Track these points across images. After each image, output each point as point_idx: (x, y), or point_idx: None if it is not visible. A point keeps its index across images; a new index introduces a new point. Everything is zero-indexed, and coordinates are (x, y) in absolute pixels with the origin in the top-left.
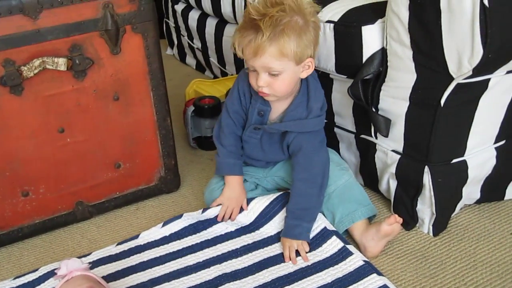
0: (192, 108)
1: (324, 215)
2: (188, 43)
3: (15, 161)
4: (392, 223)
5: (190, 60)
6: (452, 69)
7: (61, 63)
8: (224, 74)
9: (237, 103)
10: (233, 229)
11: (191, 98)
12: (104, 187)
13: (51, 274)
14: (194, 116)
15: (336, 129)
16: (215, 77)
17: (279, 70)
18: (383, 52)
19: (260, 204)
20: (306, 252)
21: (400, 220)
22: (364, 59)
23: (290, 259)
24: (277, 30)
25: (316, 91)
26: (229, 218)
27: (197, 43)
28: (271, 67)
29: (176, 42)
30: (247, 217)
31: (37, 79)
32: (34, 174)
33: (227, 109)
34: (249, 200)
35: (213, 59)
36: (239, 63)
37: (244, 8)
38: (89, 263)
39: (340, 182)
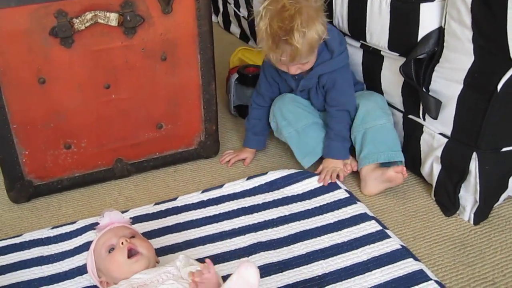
0: (236, 75)
1: (353, 143)
2: (234, 11)
3: (60, 113)
4: (399, 172)
5: (234, 28)
6: None
7: (113, 18)
8: None
9: (269, 89)
10: (270, 200)
11: (235, 65)
12: (144, 146)
13: (89, 227)
14: (237, 84)
15: None
16: None
17: (310, 60)
18: (440, 31)
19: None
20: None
21: (406, 174)
22: (420, 37)
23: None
24: (305, 37)
25: (329, 32)
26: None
27: (243, 12)
28: (304, 62)
29: (221, 10)
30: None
31: (87, 33)
32: (77, 127)
33: (260, 92)
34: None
35: None
36: None
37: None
38: None
39: (379, 122)
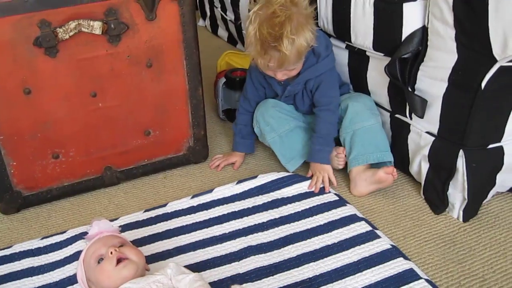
0: (223, 80)
1: (342, 145)
2: (221, 14)
3: (47, 122)
4: (389, 173)
5: (222, 32)
6: (496, 51)
7: (96, 27)
8: None
9: (255, 93)
10: (260, 203)
11: (222, 70)
12: (133, 153)
13: (79, 237)
14: (225, 88)
15: None
16: None
17: (297, 66)
18: (423, 30)
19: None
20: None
21: (396, 175)
22: (404, 37)
23: (314, 187)
24: (294, 44)
25: (317, 38)
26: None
27: (230, 15)
28: (291, 69)
29: (208, 14)
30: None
31: (72, 42)
32: (65, 136)
33: (246, 97)
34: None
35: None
36: None
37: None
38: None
39: (367, 123)
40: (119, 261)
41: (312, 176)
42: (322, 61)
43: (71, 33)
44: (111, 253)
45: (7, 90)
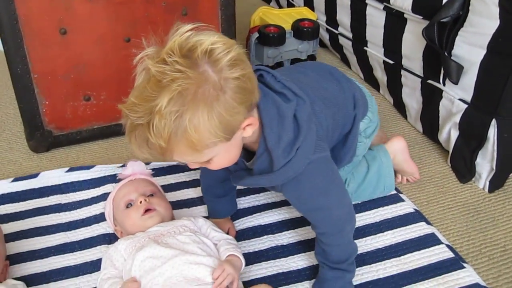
0: (256, 35)
1: None
2: None
3: (80, 64)
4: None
5: None
6: None
7: None
8: (290, 5)
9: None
10: None
11: (256, 25)
12: None
13: (106, 179)
14: (257, 44)
15: (402, 72)
16: (281, 8)
17: (206, 160)
18: None
19: None
20: None
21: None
22: (444, 0)
23: None
24: (178, 130)
25: (273, 120)
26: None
27: None
28: (191, 161)
29: None
30: None
31: None
32: (97, 80)
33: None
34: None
35: None
36: None
37: None
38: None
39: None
40: (146, 210)
41: None
42: (281, 169)
43: None
44: (140, 202)
45: (43, 29)
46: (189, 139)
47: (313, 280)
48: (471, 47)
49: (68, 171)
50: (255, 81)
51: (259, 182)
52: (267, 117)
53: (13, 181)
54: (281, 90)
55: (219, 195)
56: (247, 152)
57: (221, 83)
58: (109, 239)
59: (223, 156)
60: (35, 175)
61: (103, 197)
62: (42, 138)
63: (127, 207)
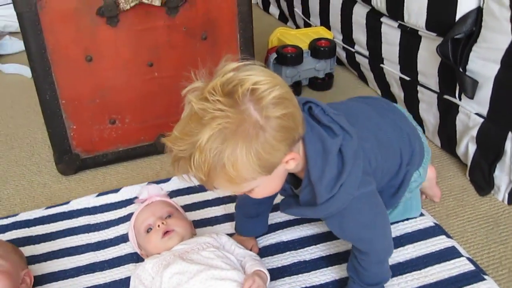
0: (274, 55)
1: None
2: None
3: (105, 89)
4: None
5: (273, 9)
6: None
7: None
8: (307, 25)
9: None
10: None
11: (274, 46)
12: None
13: (131, 201)
14: (275, 64)
15: (418, 88)
16: (298, 28)
17: (246, 190)
18: (478, 11)
19: None
20: None
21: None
22: (458, 17)
23: None
24: (218, 166)
25: (318, 154)
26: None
27: None
28: (232, 192)
29: None
30: None
31: (132, 12)
32: (122, 103)
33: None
34: None
35: (298, 9)
36: (324, 14)
37: None
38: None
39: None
40: (165, 233)
41: None
42: (323, 204)
43: (132, 4)
44: (158, 226)
45: (70, 57)
46: (227, 174)
47: None
48: (485, 62)
49: (97, 196)
50: (299, 118)
51: (305, 213)
52: (312, 151)
53: (46, 209)
54: (328, 124)
55: (252, 215)
56: (296, 179)
57: (262, 122)
58: (137, 258)
59: (265, 187)
60: (66, 203)
61: (129, 216)
62: (70, 161)
63: (147, 232)
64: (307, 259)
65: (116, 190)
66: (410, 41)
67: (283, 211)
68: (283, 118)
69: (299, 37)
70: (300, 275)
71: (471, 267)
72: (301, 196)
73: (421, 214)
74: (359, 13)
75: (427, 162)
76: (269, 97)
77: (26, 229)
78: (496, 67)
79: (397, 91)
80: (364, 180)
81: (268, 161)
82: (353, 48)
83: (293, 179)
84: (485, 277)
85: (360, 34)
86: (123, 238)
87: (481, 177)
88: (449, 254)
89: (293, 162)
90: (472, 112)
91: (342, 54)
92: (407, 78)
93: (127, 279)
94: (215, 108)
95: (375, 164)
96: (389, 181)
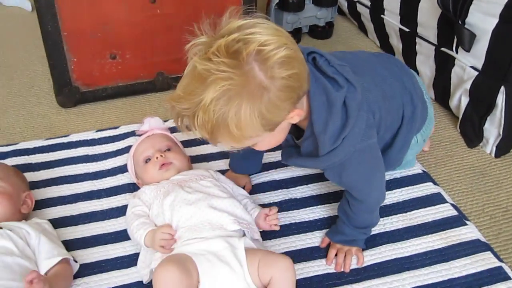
0: (276, 0)
1: None
2: None
3: (107, 23)
4: None
5: None
6: None
7: None
8: None
9: None
10: None
11: None
12: (185, 62)
13: (130, 134)
14: (277, 9)
15: (417, 39)
16: None
17: (248, 145)
18: None
19: None
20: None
21: None
22: None
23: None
24: (221, 125)
25: (322, 106)
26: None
27: None
28: (236, 147)
29: None
30: None
31: None
32: (123, 39)
33: None
34: None
35: None
36: None
37: None
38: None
39: None
40: (163, 164)
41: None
42: (326, 155)
43: None
44: (157, 158)
45: None
46: (231, 133)
47: (324, 230)
48: (484, 15)
49: (96, 132)
50: (304, 75)
51: (306, 164)
52: (316, 103)
53: (46, 139)
54: (333, 75)
55: (247, 157)
56: (298, 129)
57: (266, 83)
58: (133, 188)
59: (268, 141)
60: (65, 136)
61: (127, 149)
62: (70, 94)
63: (145, 162)
64: (298, 197)
65: (115, 127)
66: None
67: (284, 161)
68: (288, 78)
69: None
70: (290, 211)
71: (454, 212)
72: (302, 147)
73: None
74: None
75: (427, 132)
76: (275, 58)
77: (26, 156)
78: (495, 21)
79: (396, 42)
80: (366, 133)
81: (271, 120)
82: None
83: (294, 129)
84: (467, 222)
85: None
86: (121, 169)
87: (471, 130)
88: (434, 199)
89: (297, 117)
90: (468, 65)
91: (343, 4)
92: (407, 30)
93: (124, 207)
94: (219, 69)
95: (379, 116)
96: (391, 139)
